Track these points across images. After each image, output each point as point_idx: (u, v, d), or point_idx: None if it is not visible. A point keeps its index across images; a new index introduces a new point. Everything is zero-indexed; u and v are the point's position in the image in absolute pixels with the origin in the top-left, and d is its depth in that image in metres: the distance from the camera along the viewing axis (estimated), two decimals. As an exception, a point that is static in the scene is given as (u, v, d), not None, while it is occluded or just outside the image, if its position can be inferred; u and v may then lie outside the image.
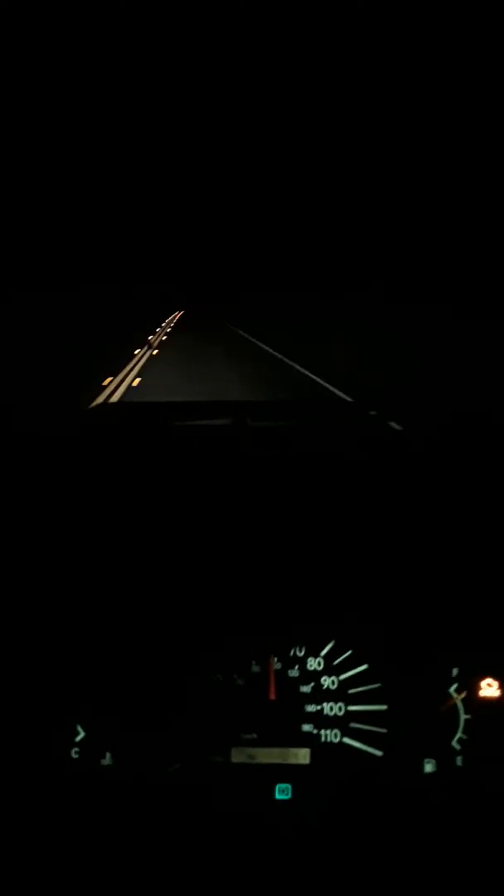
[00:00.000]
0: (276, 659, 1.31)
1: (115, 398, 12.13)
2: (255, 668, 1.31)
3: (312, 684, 1.31)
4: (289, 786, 1.28)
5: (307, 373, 15.51)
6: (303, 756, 1.29)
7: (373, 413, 2.09)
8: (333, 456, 1.68)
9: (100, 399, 11.78)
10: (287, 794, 1.28)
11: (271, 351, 20.92)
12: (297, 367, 16.66)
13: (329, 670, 1.32)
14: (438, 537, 1.36)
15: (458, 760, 1.29)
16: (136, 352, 20.83)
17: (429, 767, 1.29)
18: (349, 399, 10.42)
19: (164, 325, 37.96)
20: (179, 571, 1.33)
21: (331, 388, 13.11)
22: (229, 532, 1.38)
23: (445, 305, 15.95)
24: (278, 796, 1.28)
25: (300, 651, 1.32)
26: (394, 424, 2.01)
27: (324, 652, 1.32)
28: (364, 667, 1.31)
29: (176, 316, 48.44)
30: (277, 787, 1.28)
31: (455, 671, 1.30)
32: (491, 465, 1.58)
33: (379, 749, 1.29)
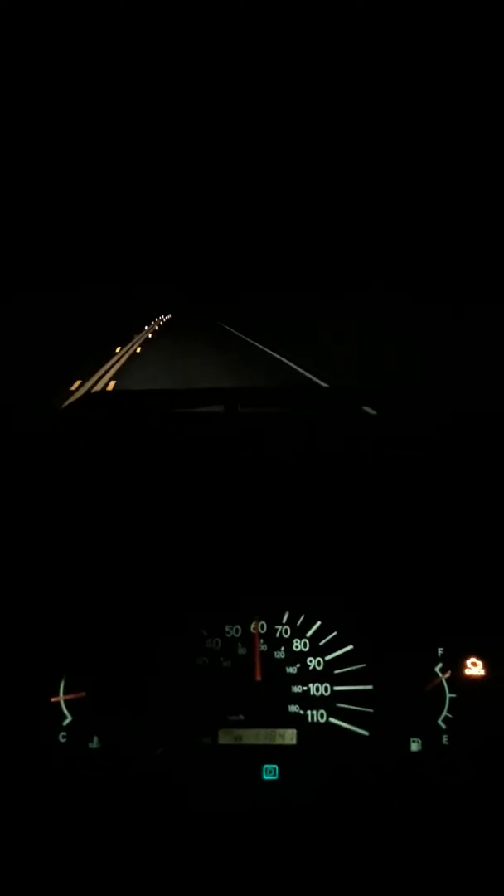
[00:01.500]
0: (261, 640, 1.32)
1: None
2: (242, 650, 1.32)
3: (298, 665, 1.32)
4: (276, 766, 1.28)
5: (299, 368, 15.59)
6: (289, 736, 1.30)
7: (354, 402, 2.11)
8: (317, 442, 1.69)
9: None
10: (274, 775, 1.28)
11: (253, 342, 21.03)
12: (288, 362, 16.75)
13: (315, 651, 1.32)
14: (421, 519, 1.36)
15: (444, 739, 1.30)
16: (116, 349, 20.56)
17: (415, 746, 1.29)
18: (328, 386, 10.46)
19: (152, 324, 37.75)
20: (167, 549, 1.34)
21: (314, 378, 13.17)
22: (217, 513, 1.38)
23: (445, 304, 15.91)
24: (265, 777, 1.28)
25: (286, 633, 1.33)
26: (368, 409, 2.04)
27: (309, 633, 1.33)
28: (349, 647, 1.32)
29: (162, 319, 48.30)
30: (264, 767, 1.28)
31: (440, 651, 1.31)
32: (469, 450, 1.58)
33: (365, 729, 1.30)
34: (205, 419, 1.92)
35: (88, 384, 13.62)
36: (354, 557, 1.33)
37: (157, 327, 35.75)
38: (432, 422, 2.02)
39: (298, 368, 15.63)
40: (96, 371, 15.68)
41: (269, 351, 20.28)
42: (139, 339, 26.90)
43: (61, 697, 1.31)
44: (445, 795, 1.27)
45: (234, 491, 1.42)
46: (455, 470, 1.47)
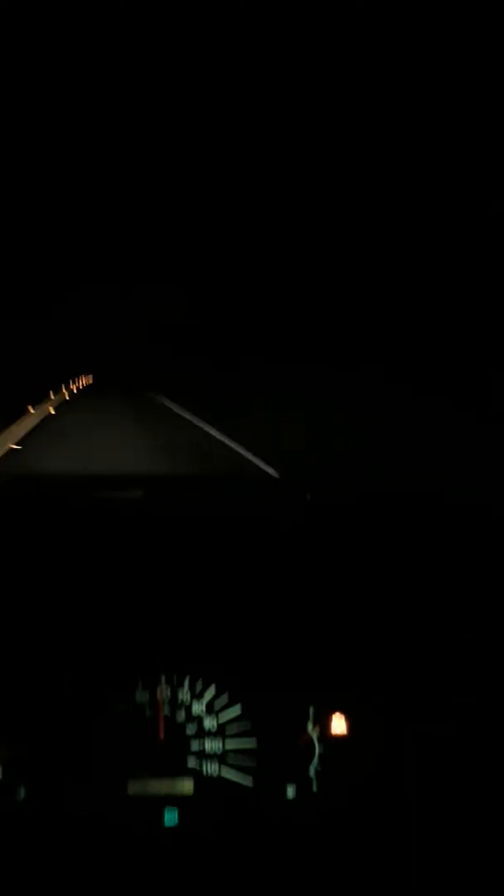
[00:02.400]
0: (165, 705, 1.59)
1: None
2: (149, 713, 1.58)
3: (196, 726, 1.59)
4: (175, 814, 1.54)
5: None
6: (188, 788, 1.56)
7: (308, 496, 2.37)
8: (214, 522, 2.00)
9: None
10: (174, 822, 1.54)
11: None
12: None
13: (210, 712, 1.60)
14: (296, 596, 1.68)
15: (314, 786, 1.58)
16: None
17: (291, 793, 1.57)
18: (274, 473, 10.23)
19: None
20: (87, 632, 1.61)
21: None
22: (128, 597, 1.67)
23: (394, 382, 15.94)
24: (167, 824, 1.53)
25: (186, 697, 1.60)
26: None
27: (205, 698, 1.60)
28: (237, 707, 1.60)
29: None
30: (166, 815, 1.53)
31: (311, 709, 1.61)
32: (361, 530, 1.93)
33: (250, 779, 1.57)
34: (123, 507, 2.20)
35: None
36: (244, 633, 1.63)
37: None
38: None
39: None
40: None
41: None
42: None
43: None
44: (318, 835, 1.55)
45: (141, 580, 1.71)
46: (332, 555, 1.81)
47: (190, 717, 1.60)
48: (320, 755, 1.59)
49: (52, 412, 20.76)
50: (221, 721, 1.60)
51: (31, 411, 18.63)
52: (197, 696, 1.61)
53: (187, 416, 19.60)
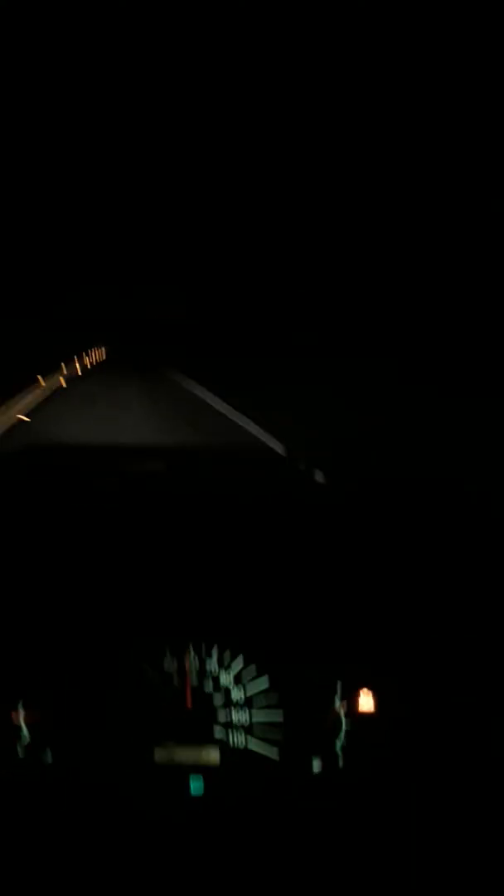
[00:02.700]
0: (194, 674, 1.58)
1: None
2: (177, 683, 1.58)
3: (224, 696, 1.59)
4: (201, 783, 1.54)
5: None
6: (214, 757, 1.56)
7: (302, 468, 2.40)
8: (241, 497, 1.99)
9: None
10: (200, 791, 1.54)
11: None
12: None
13: (238, 683, 1.59)
14: (325, 574, 1.67)
15: (340, 762, 1.58)
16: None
17: (316, 767, 1.57)
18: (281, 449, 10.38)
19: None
20: (117, 599, 1.60)
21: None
22: (161, 566, 1.66)
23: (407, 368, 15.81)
24: (193, 793, 1.53)
25: (214, 669, 1.60)
26: (318, 477, 2.30)
27: (234, 669, 1.60)
28: (265, 678, 1.59)
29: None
30: (192, 784, 1.53)
31: (339, 684, 1.60)
32: (383, 511, 1.92)
33: (276, 752, 1.57)
34: (148, 479, 2.19)
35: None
36: (271, 605, 1.62)
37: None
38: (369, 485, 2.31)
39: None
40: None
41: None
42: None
43: (21, 718, 1.53)
44: (341, 811, 1.55)
45: (173, 549, 1.70)
46: (357, 534, 1.79)
47: (217, 687, 1.59)
48: (347, 731, 1.59)
49: (64, 384, 20.63)
50: (249, 693, 1.59)
51: (42, 383, 18.51)
52: (225, 666, 1.60)
53: (199, 392, 19.49)
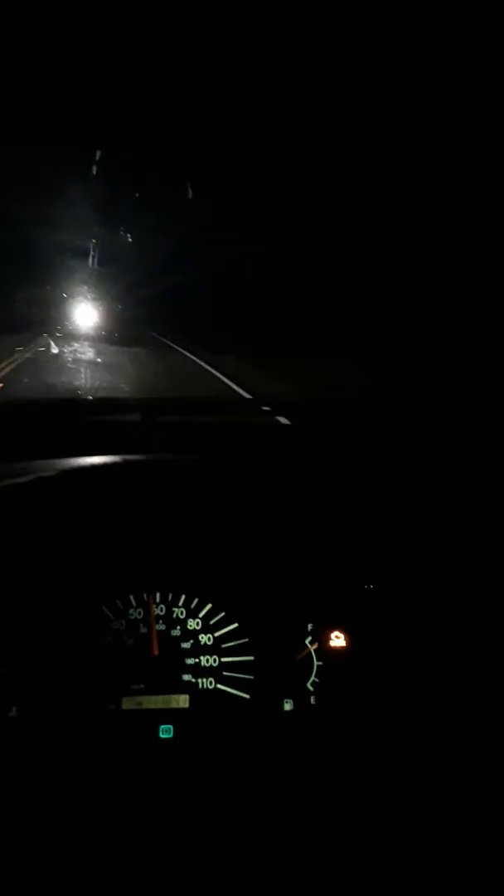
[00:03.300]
0: (160, 621, 1.55)
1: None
2: (143, 629, 1.55)
3: (191, 641, 1.56)
4: (171, 727, 1.51)
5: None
6: (183, 701, 1.53)
7: (266, 408, 2.36)
8: (206, 442, 1.93)
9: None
10: (170, 734, 1.51)
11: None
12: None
13: (206, 629, 1.56)
14: (297, 517, 1.63)
15: (312, 700, 1.55)
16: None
17: (288, 706, 1.55)
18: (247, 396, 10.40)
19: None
20: (79, 544, 1.55)
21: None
22: (127, 514, 1.61)
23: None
24: (162, 736, 1.51)
25: (182, 614, 1.56)
26: (282, 419, 2.27)
27: (201, 614, 1.56)
28: (235, 625, 1.56)
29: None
30: (161, 727, 1.51)
31: (310, 626, 1.57)
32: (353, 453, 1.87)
33: (247, 692, 1.54)
34: (122, 427, 2.13)
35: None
36: (239, 551, 1.58)
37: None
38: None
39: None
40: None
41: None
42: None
43: None
44: (314, 748, 1.53)
45: (137, 496, 1.65)
46: (326, 478, 1.74)
47: (186, 632, 1.56)
48: (318, 667, 1.56)
49: (52, 350, 20.29)
50: (217, 636, 1.56)
51: (20, 349, 18.02)
52: (192, 612, 1.57)
53: (185, 352, 19.40)
